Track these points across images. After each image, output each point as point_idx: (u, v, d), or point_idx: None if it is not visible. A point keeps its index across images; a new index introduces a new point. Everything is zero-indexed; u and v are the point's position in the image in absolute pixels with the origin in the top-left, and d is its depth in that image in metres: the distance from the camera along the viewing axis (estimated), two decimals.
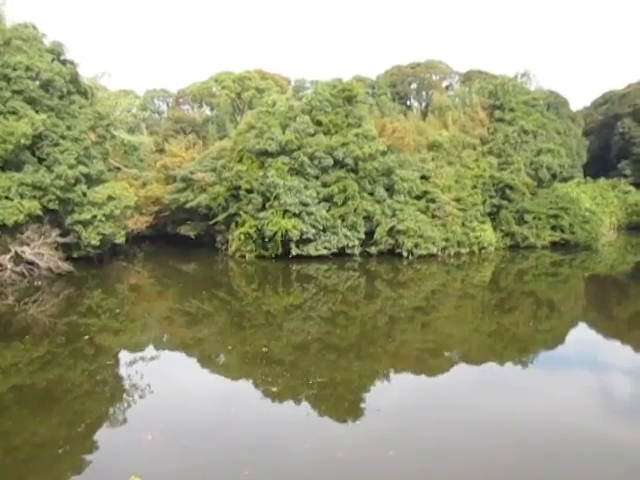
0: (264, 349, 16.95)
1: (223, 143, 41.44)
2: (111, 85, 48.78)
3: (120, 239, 31.99)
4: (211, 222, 37.59)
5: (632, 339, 19.85)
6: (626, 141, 67.19)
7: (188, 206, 38.31)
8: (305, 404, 12.94)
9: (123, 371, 15.42)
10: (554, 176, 43.21)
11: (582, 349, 18.47)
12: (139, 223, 39.55)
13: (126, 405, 12.87)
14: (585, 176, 60.09)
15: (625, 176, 65.05)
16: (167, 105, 66.76)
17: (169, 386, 14.15)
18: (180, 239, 41.02)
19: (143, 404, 12.85)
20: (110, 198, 30.01)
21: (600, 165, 66.15)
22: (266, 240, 34.28)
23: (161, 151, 46.92)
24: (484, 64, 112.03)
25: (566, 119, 55.11)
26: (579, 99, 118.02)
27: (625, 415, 12.57)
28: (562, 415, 12.25)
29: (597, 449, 10.81)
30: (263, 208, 34.75)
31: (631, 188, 60.60)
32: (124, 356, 17.18)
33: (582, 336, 20.51)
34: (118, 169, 39.78)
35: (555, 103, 52.60)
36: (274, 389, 13.66)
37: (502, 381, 14.99)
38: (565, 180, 50.22)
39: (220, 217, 36.83)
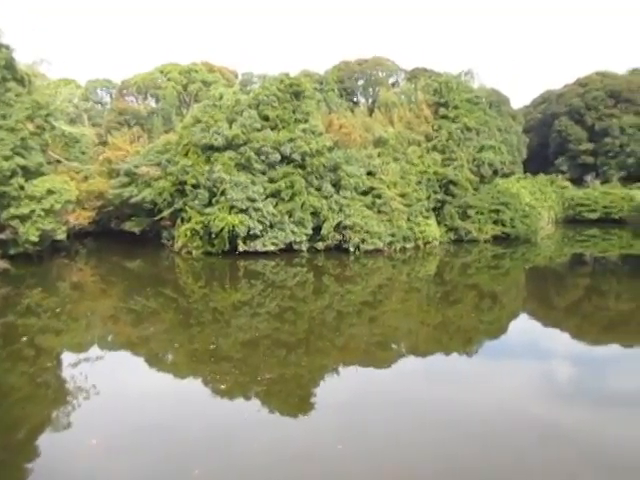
0: (212, 346, 16.78)
1: (169, 136, 40.64)
2: (51, 74, 46.74)
3: (61, 235, 30.89)
4: (156, 218, 36.82)
5: (570, 327, 20.88)
6: (563, 138, 70.23)
7: (132, 201, 37.35)
8: (255, 401, 12.92)
9: (66, 373, 14.91)
10: (495, 172, 44.65)
11: (524, 338, 19.24)
12: (81, 218, 38.30)
13: (70, 409, 12.46)
14: (525, 172, 62.37)
15: (562, 172, 68.05)
16: (110, 96, 64.73)
17: (115, 387, 13.80)
18: (124, 235, 39.94)
19: (88, 407, 12.48)
20: (50, 192, 28.90)
21: (539, 161, 68.84)
22: (213, 236, 33.88)
23: (104, 144, 45.54)
24: (429, 62, 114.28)
25: (507, 117, 56.96)
26: (519, 98, 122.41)
27: (568, 400, 13.18)
28: (509, 403, 12.70)
29: (544, 434, 11.23)
30: (209, 203, 34.33)
31: (568, 183, 63.47)
32: (67, 357, 16.60)
33: (523, 326, 21.35)
34: (58, 162, 38.30)
35: (497, 101, 54.22)
36: (223, 387, 13.55)
37: (449, 372, 15.40)
38: (506, 176, 51.95)
39: (165, 212, 36.12)
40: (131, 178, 38.22)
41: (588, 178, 67.40)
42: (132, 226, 39.05)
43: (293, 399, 13.30)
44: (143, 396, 13.20)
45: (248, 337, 18.39)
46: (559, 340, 19.23)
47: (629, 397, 13.25)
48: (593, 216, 57.23)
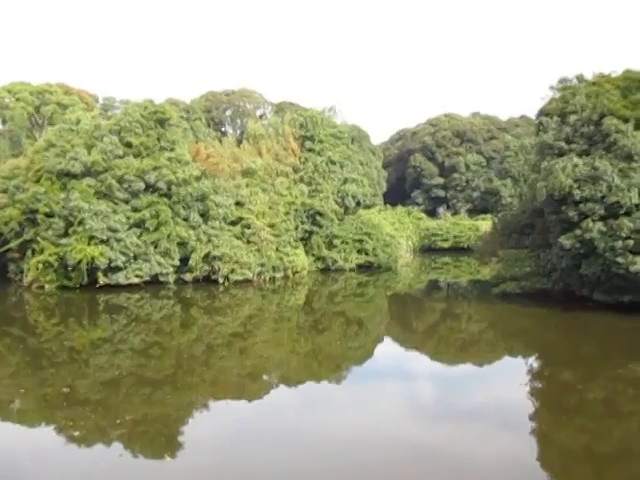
0: (66, 389, 15.34)
1: (17, 161, 37.44)
2: None
3: None
4: (2, 249, 33.44)
5: (429, 349, 22.26)
6: (418, 173, 75.79)
7: None
8: (116, 445, 11.95)
9: None
10: (358, 203, 46.78)
11: (388, 362, 20.13)
12: None
13: None
14: (385, 204, 66.03)
15: (418, 204, 73.23)
16: None
17: None
18: None
19: None
20: None
21: (397, 194, 73.42)
22: (69, 269, 31.51)
23: None
24: (294, 96, 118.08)
25: (368, 152, 60.16)
26: (378, 135, 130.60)
27: (432, 418, 13.87)
28: (379, 426, 13.05)
29: (414, 453, 11.67)
30: (65, 234, 32.01)
31: (423, 215, 68.32)
32: None
33: (387, 350, 22.32)
34: None
35: (358, 137, 57.11)
36: (77, 433, 12.37)
37: (320, 400, 15.53)
38: (368, 207, 54.53)
39: (13, 244, 33.04)
40: None
41: (440, 210, 73.23)
42: None
43: (159, 440, 12.53)
44: None
45: (108, 377, 17.12)
46: (420, 362, 20.38)
47: (484, 411, 14.31)
48: (446, 245, 61.92)
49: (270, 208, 39.47)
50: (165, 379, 17.05)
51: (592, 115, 26.12)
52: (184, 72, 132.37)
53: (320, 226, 42.18)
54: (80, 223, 31.60)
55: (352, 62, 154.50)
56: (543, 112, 30.79)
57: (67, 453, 11.59)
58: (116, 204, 33.02)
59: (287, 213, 40.49)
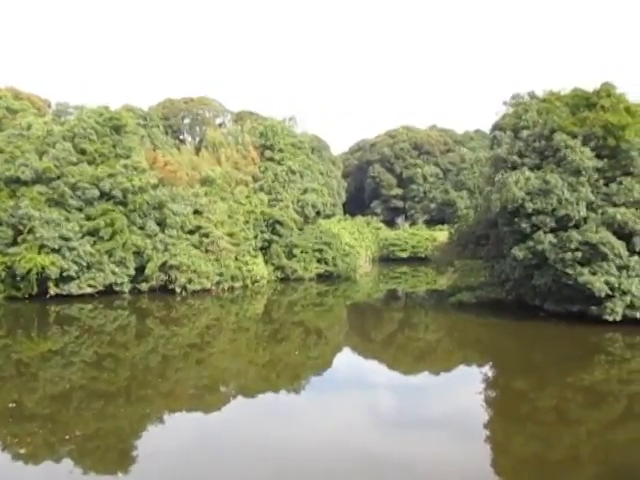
0: (11, 405, 14.72)
1: None
2: None
3: None
4: None
5: (387, 358, 22.44)
6: (377, 184, 76.73)
7: None
8: (66, 462, 11.54)
9: None
10: (318, 213, 46.93)
11: (347, 371, 20.18)
12: None
13: None
14: (345, 213, 66.50)
15: (377, 214, 74.00)
16: None
17: None
18: None
19: None
20: None
21: (357, 204, 74.09)
22: (18, 279, 30.39)
23: None
24: (254, 106, 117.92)
25: (328, 162, 60.49)
26: (338, 145, 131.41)
27: (390, 428, 13.92)
28: (338, 436, 13.02)
29: (373, 464, 11.67)
30: (14, 243, 30.91)
31: (382, 225, 69.07)
32: None
33: (346, 359, 22.37)
34: None
35: (318, 147, 57.39)
36: (23, 451, 11.87)
37: (278, 410, 15.38)
38: (328, 217, 54.77)
39: None
40: None
41: (399, 220, 74.20)
42: None
43: (112, 455, 12.16)
44: None
45: (58, 390, 16.53)
46: (378, 371, 20.50)
47: (441, 420, 14.47)
48: (404, 255, 62.67)
49: (229, 217, 39.12)
50: (118, 392, 16.60)
51: (543, 131, 27.03)
52: (141, 79, 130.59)
53: (280, 235, 42.05)
54: (30, 231, 30.59)
55: (313, 73, 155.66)
56: (497, 127, 31.81)
57: (12, 472, 11.10)
58: (69, 212, 32.13)
59: (246, 222, 40.23)
